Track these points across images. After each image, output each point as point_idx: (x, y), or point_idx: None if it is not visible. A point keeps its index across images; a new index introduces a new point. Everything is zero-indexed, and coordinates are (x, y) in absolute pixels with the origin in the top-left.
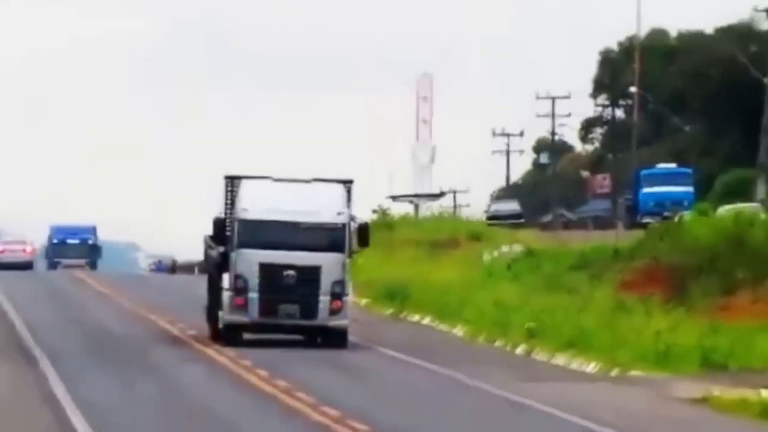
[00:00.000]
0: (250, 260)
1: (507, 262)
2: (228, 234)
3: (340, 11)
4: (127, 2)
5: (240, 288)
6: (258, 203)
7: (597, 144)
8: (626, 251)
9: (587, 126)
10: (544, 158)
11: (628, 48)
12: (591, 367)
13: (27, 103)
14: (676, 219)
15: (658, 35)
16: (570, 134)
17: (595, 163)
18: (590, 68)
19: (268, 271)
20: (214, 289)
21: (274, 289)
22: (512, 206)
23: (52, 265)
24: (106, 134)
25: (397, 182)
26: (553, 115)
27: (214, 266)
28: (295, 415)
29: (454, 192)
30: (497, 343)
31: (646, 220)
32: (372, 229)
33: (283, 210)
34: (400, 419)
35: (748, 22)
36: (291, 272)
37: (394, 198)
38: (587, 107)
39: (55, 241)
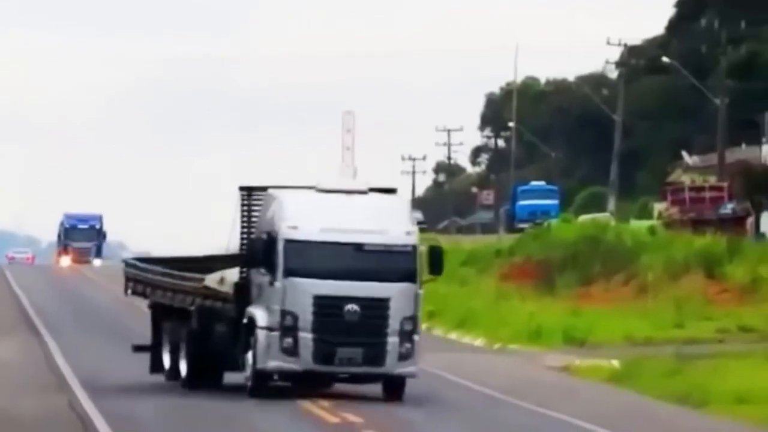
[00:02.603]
0: (301, 292)
1: None
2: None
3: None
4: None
5: (288, 326)
6: (308, 220)
7: (483, 166)
8: (506, 250)
9: (476, 152)
10: (441, 177)
11: (507, 91)
12: (478, 342)
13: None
14: (545, 225)
15: (531, 81)
16: (462, 159)
17: (482, 181)
18: (478, 107)
19: (324, 305)
20: (209, 329)
21: (332, 329)
22: (417, 215)
23: (64, 247)
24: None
25: None
26: (449, 144)
27: (204, 297)
28: None
29: None
30: None
31: (521, 225)
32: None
33: (341, 228)
34: None
35: (601, 71)
36: (353, 307)
37: None
38: (476, 138)
39: (67, 226)
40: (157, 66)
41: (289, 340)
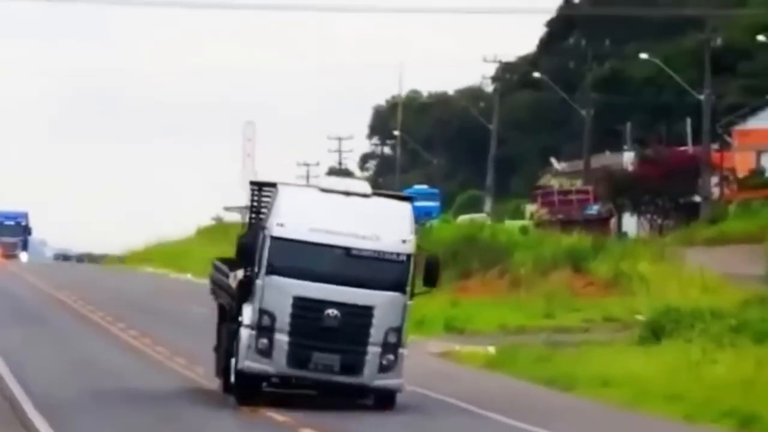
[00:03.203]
0: (281, 291)
1: None
2: (252, 256)
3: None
4: None
5: (265, 326)
6: (298, 218)
7: (371, 171)
8: None
9: (364, 159)
10: None
11: (393, 104)
12: None
13: None
14: (427, 225)
15: (414, 94)
16: (352, 164)
17: (371, 186)
18: (366, 118)
19: (304, 307)
20: (228, 328)
21: (309, 332)
22: None
23: None
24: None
25: (231, 199)
26: (339, 151)
27: (231, 297)
28: None
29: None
30: None
31: None
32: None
33: (330, 230)
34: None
35: (478, 85)
36: (334, 312)
37: (227, 208)
38: (365, 146)
39: None
40: (59, 77)
41: (264, 341)
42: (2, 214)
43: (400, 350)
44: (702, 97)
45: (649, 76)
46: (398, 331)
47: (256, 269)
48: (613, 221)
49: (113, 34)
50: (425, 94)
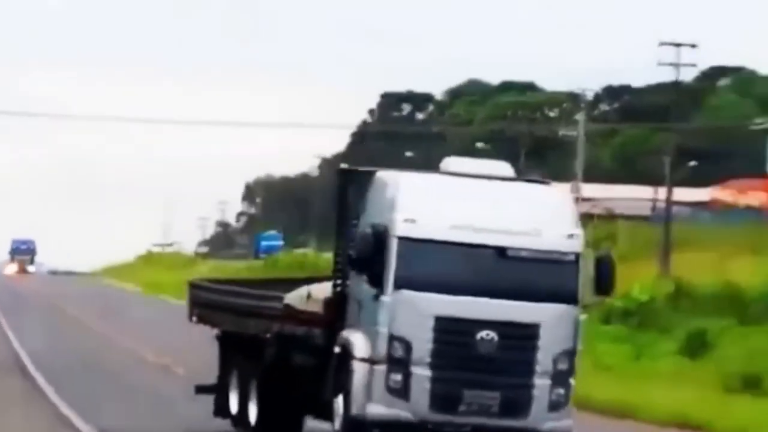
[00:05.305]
0: (417, 310)
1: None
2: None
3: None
4: None
5: (398, 358)
6: (432, 211)
7: (242, 223)
8: (255, 268)
9: (240, 215)
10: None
11: (258, 182)
12: None
13: None
14: (274, 255)
15: (269, 178)
16: (231, 217)
17: (244, 231)
18: (240, 189)
19: (449, 330)
20: (301, 361)
21: (458, 364)
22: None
23: (11, 258)
24: None
25: (157, 237)
26: (223, 210)
27: (271, 319)
28: None
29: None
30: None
31: (261, 255)
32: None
33: (478, 226)
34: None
35: (307, 172)
36: (489, 334)
37: (155, 245)
38: (240, 206)
39: (14, 246)
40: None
41: (397, 377)
42: (19, 241)
43: (571, 381)
44: None
45: None
46: (570, 355)
47: (367, 281)
48: None
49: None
50: (277, 176)
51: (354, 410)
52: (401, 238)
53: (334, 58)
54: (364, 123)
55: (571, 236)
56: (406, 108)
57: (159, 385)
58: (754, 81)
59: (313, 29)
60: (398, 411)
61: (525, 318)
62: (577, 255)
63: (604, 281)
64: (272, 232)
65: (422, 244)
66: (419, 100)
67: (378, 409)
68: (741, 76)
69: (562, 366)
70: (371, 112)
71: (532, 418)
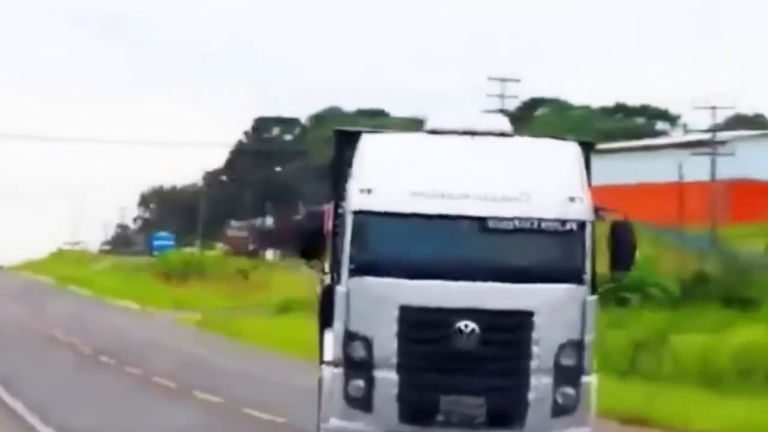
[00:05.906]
0: (378, 300)
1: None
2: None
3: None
4: None
5: (357, 362)
6: (397, 178)
7: (139, 225)
8: (150, 264)
9: (135, 219)
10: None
11: (151, 192)
12: (135, 307)
13: None
14: (166, 252)
15: (159, 189)
16: (129, 221)
17: (143, 231)
18: (136, 198)
19: (419, 322)
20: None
21: (431, 364)
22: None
23: None
24: None
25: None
26: (123, 216)
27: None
28: None
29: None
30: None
31: (155, 253)
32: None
33: (448, 192)
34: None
35: (197, 183)
36: (469, 325)
37: (66, 243)
38: (137, 212)
39: None
40: None
41: (358, 384)
42: None
43: (585, 378)
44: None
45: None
46: (577, 346)
47: (336, 269)
48: (261, 252)
49: None
50: (167, 186)
51: (321, 423)
52: (356, 213)
53: (218, 82)
54: (240, 142)
55: (572, 200)
56: (276, 130)
57: (68, 359)
58: (570, 109)
59: (201, 56)
60: (359, 425)
61: (513, 304)
62: (582, 224)
63: (622, 254)
64: (164, 233)
65: (381, 218)
66: (287, 123)
67: (335, 424)
68: (556, 106)
69: (568, 361)
70: (246, 133)
71: (531, 427)
